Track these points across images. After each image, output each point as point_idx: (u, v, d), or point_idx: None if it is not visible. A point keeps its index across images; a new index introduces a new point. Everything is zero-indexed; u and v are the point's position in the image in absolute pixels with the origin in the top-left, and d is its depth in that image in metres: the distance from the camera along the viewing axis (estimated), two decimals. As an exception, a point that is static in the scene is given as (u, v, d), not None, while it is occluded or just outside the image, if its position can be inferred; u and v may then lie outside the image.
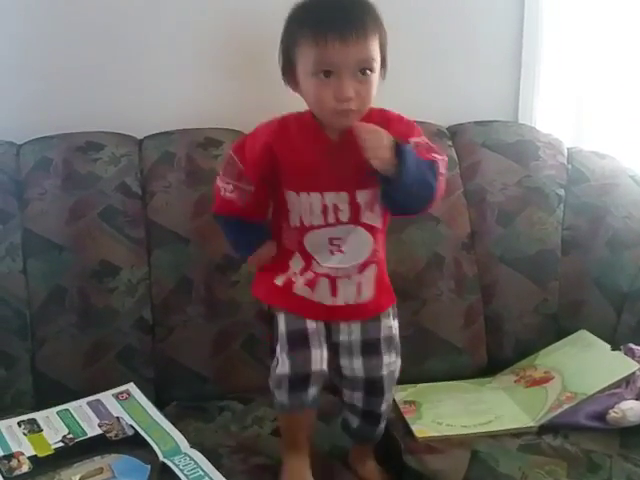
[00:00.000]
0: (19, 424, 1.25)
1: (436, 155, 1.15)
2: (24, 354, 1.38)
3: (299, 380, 1.16)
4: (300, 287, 1.19)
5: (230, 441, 1.29)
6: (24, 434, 1.23)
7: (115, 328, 1.41)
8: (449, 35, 1.66)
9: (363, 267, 1.20)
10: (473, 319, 1.53)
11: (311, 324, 1.18)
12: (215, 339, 1.43)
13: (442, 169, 1.15)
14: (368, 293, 1.21)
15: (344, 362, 1.22)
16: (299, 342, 1.17)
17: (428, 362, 1.51)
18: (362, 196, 1.16)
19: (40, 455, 1.19)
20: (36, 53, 1.50)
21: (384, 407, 1.25)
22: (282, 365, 1.17)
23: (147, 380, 1.42)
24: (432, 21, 1.65)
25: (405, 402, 1.41)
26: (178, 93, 1.56)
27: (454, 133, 1.63)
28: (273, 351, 1.20)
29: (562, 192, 1.59)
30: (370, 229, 1.19)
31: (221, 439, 1.29)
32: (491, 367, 1.54)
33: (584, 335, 1.51)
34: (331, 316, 1.21)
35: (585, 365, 1.42)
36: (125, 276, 1.42)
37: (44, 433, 1.23)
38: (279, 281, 1.20)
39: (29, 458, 1.18)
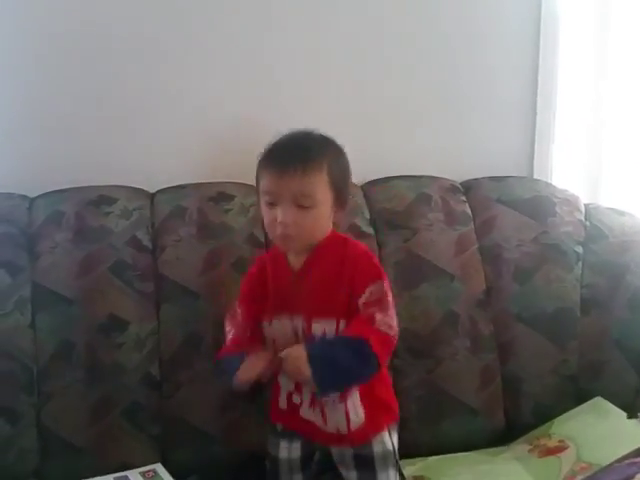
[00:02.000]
0: None
1: (378, 317, 1.17)
2: (30, 410, 1.36)
3: None
4: (306, 409, 1.23)
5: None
6: None
7: (122, 384, 1.39)
8: (463, 90, 1.67)
9: (345, 394, 1.21)
10: (489, 379, 1.49)
11: (283, 454, 1.26)
12: (223, 397, 1.40)
13: (383, 336, 1.17)
14: (357, 419, 1.22)
15: (342, 470, 1.26)
16: (273, 469, 1.28)
17: (443, 424, 1.46)
18: (318, 327, 1.20)
19: None
20: (50, 108, 1.52)
21: None
22: None
23: (153, 438, 1.40)
24: (446, 76, 1.66)
25: (415, 478, 1.36)
26: (191, 147, 1.57)
27: (468, 188, 1.61)
28: None
29: (580, 249, 1.56)
30: None
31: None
32: (509, 430, 1.49)
33: (600, 403, 1.46)
34: (326, 442, 1.24)
35: (601, 434, 1.38)
36: (133, 330, 1.40)
37: None
38: (282, 405, 1.26)
39: None
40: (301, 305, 1.22)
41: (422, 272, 1.49)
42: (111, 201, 1.48)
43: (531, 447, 1.42)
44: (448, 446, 1.45)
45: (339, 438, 1.23)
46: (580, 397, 1.49)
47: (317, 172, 1.18)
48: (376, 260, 1.26)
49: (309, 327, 1.21)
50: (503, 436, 1.48)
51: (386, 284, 1.21)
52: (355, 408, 1.22)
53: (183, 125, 1.57)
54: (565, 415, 1.46)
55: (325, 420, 1.22)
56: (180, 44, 1.55)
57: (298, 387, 1.23)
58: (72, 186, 1.49)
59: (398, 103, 1.62)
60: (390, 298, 1.21)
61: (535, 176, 1.70)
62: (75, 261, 1.41)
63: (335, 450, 1.25)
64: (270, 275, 1.26)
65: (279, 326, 1.24)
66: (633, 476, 1.23)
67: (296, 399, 1.23)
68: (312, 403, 1.22)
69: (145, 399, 1.39)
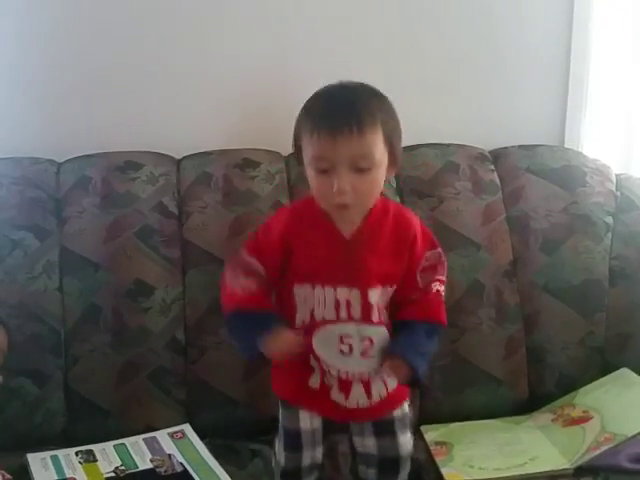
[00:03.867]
0: (76, 454, 1.30)
1: (439, 279, 1.18)
2: (57, 372, 1.38)
3: (291, 473, 1.22)
4: (336, 394, 1.18)
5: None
6: (80, 463, 1.27)
7: (148, 348, 1.40)
8: (495, 57, 1.64)
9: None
10: (514, 350, 1.48)
11: (305, 424, 1.19)
12: (246, 363, 1.40)
13: (442, 296, 1.18)
14: (380, 393, 1.19)
15: (356, 440, 1.22)
16: (293, 442, 1.20)
17: (466, 393, 1.46)
18: (374, 295, 1.14)
19: None
20: (78, 73, 1.52)
21: None
22: (279, 453, 1.23)
23: (178, 401, 1.41)
24: (477, 42, 1.63)
25: (436, 443, 1.37)
26: (218, 113, 1.57)
27: (497, 157, 1.59)
28: None
29: (610, 220, 1.53)
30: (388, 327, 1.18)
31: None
32: (532, 401, 1.49)
33: (626, 374, 1.45)
34: (356, 418, 1.20)
35: (626, 405, 1.37)
36: (159, 296, 1.41)
37: (98, 463, 1.27)
38: (314, 383, 1.18)
39: None
40: (354, 274, 1.13)
41: (448, 241, 1.45)
42: (137, 167, 1.48)
43: (554, 417, 1.42)
44: (471, 415, 1.45)
45: (360, 413, 1.19)
46: (606, 369, 1.48)
47: (373, 129, 1.06)
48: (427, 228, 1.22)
49: (365, 297, 1.14)
50: (526, 406, 1.48)
51: (441, 251, 1.19)
52: (376, 383, 1.18)
53: (209, 91, 1.56)
54: (589, 386, 1.46)
55: (347, 397, 1.17)
56: (202, 5, 1.53)
57: (323, 373, 1.17)
58: (99, 151, 1.50)
59: (427, 70, 1.59)
60: (446, 264, 1.19)
61: (566, 145, 1.67)
62: (102, 226, 1.42)
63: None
64: (310, 236, 1.15)
65: (322, 294, 1.15)
66: (658, 449, 1.24)
67: (328, 380, 1.17)
68: (341, 384, 1.17)
69: (170, 363, 1.41)
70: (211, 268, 1.43)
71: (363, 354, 1.15)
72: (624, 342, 1.49)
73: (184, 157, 1.53)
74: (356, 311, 1.15)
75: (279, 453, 1.23)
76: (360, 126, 1.05)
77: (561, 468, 1.27)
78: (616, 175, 1.60)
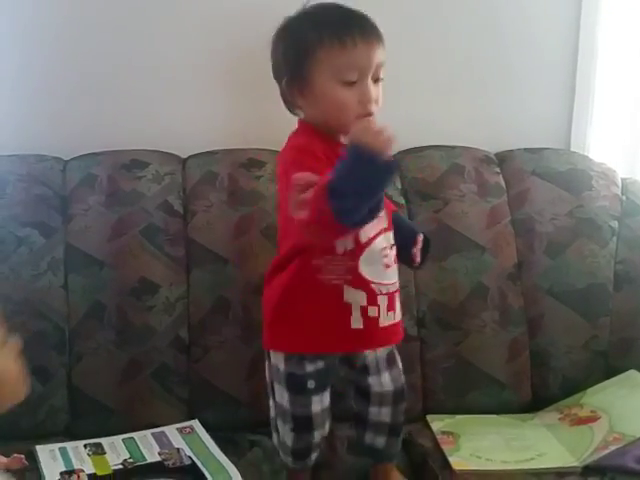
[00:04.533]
0: (85, 446, 1.31)
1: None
2: (61, 369, 1.38)
3: (302, 451, 1.21)
4: (384, 316, 1.15)
5: (262, 482, 1.28)
6: (88, 455, 1.28)
7: (152, 346, 1.40)
8: (501, 59, 1.63)
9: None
10: (518, 353, 1.48)
11: (316, 407, 1.18)
12: (250, 362, 1.41)
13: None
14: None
15: (373, 380, 1.22)
16: (304, 425, 1.19)
17: (469, 396, 1.46)
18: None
19: (99, 474, 1.23)
20: (85, 71, 1.53)
21: (403, 416, 1.25)
22: (285, 436, 1.20)
23: (181, 400, 1.41)
24: (484, 44, 1.62)
25: (443, 432, 1.38)
26: (224, 113, 1.57)
27: (502, 160, 1.59)
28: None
29: (615, 224, 1.53)
30: None
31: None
32: (535, 404, 1.48)
33: (633, 375, 1.45)
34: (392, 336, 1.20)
35: (634, 406, 1.37)
36: (163, 294, 1.41)
37: (107, 455, 1.28)
38: (357, 324, 1.13)
39: (88, 475, 1.23)
40: None
41: (452, 243, 1.48)
42: (143, 165, 1.48)
43: (561, 416, 1.42)
44: (474, 418, 1.45)
45: (398, 327, 1.19)
46: (609, 373, 1.48)
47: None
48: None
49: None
50: (529, 410, 1.47)
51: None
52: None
53: (215, 90, 1.56)
54: (596, 387, 1.45)
55: (395, 311, 1.17)
56: (208, 4, 1.53)
57: (372, 297, 1.12)
58: (105, 149, 1.50)
59: (432, 71, 1.59)
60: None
61: (572, 148, 1.67)
62: (107, 224, 1.42)
63: (371, 358, 1.20)
64: (326, 156, 1.09)
65: None
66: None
67: (372, 311, 1.12)
68: (389, 303, 1.14)
69: (174, 362, 1.41)
70: (216, 267, 1.43)
71: (393, 262, 1.15)
72: (628, 346, 1.49)
73: (190, 156, 1.53)
74: (386, 219, 1.14)
75: (284, 434, 1.21)
76: (380, 34, 1.10)
77: (569, 465, 1.27)
78: (622, 179, 1.60)
